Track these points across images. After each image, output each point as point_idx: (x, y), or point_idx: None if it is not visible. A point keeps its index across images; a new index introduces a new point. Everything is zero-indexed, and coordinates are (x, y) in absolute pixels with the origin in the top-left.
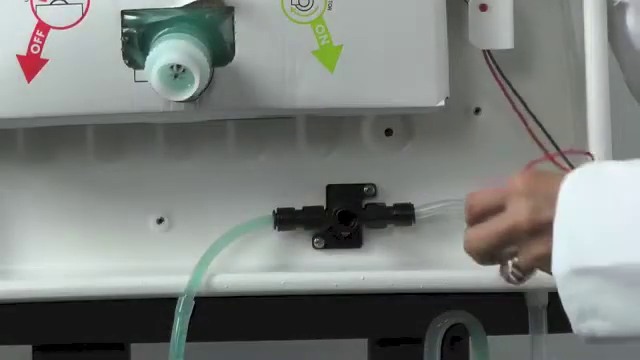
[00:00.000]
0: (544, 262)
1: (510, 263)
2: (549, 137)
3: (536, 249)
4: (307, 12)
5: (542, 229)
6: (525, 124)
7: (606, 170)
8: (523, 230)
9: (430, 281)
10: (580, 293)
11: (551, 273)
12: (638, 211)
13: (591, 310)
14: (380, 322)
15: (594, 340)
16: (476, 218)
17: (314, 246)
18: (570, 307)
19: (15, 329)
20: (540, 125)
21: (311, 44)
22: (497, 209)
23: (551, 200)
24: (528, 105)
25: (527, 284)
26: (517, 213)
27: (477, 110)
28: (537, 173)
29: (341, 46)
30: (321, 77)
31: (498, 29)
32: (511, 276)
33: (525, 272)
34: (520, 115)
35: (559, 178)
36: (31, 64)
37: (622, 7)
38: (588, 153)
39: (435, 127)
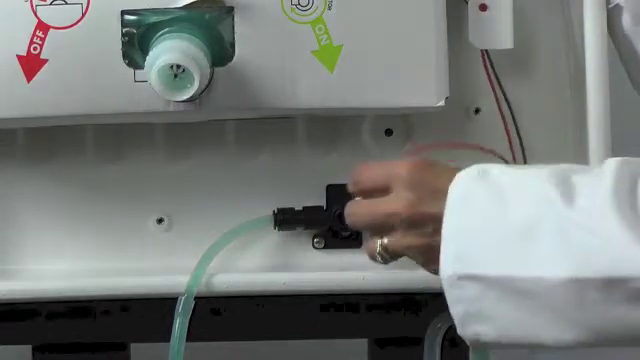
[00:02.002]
0: (414, 253)
1: (379, 242)
2: (523, 138)
3: (409, 240)
4: (307, 12)
5: (419, 221)
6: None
7: (492, 175)
8: (400, 219)
9: (430, 281)
10: (464, 298)
11: (418, 263)
12: (520, 223)
13: (475, 315)
14: (380, 322)
15: (478, 345)
16: (360, 193)
17: (314, 246)
18: (454, 310)
19: (15, 329)
20: (516, 126)
21: (311, 44)
22: (382, 190)
23: (433, 195)
24: (528, 105)
25: None
26: (397, 202)
27: (477, 110)
28: (423, 164)
29: (341, 46)
30: (321, 77)
31: (498, 29)
32: (377, 256)
33: (392, 256)
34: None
35: (445, 173)
36: (31, 64)
37: (618, 10)
38: (494, 152)
39: (435, 127)
